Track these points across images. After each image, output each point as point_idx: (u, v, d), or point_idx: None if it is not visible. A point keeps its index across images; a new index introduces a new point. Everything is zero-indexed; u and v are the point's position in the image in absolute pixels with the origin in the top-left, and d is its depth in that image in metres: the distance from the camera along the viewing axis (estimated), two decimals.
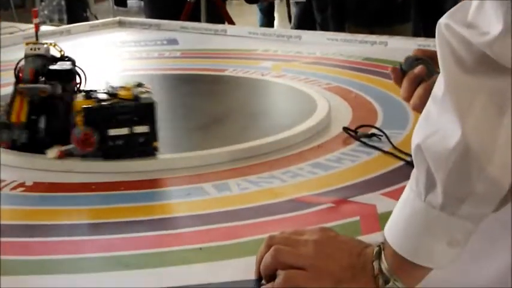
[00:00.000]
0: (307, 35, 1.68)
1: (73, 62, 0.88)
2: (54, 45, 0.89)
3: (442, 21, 0.46)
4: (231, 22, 2.74)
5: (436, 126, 0.46)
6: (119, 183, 0.75)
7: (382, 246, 0.50)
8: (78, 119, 0.78)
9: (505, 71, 0.42)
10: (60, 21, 4.11)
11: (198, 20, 2.83)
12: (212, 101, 1.12)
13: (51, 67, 0.85)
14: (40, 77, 0.84)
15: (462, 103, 0.44)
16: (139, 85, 0.83)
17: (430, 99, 0.47)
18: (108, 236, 0.62)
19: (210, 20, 2.73)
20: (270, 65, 1.37)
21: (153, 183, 0.76)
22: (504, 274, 0.52)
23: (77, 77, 0.86)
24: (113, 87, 0.83)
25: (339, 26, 2.62)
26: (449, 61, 0.44)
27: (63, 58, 0.88)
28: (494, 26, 0.42)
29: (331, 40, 1.60)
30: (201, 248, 0.59)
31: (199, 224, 0.65)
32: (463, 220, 0.46)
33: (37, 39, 0.92)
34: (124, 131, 0.78)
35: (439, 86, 0.46)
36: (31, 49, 0.86)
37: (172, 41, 1.68)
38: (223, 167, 0.81)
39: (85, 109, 0.78)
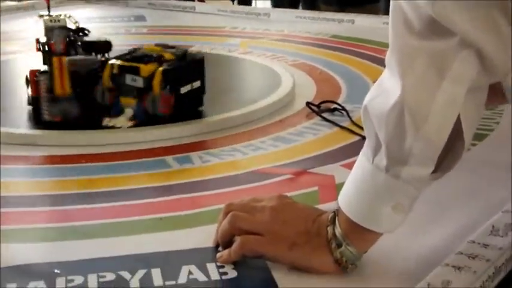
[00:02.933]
0: (275, 12, 1.68)
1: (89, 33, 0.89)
2: (69, 17, 0.89)
3: None
4: (201, 0, 2.72)
5: (382, 87, 0.47)
6: (80, 156, 0.75)
7: (337, 212, 0.51)
8: (155, 82, 0.80)
9: (450, 34, 0.43)
10: None
11: None
12: None
13: (87, 39, 0.87)
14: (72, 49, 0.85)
15: (404, 63, 0.45)
16: (166, 46, 0.87)
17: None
18: (67, 206, 0.63)
19: None
20: (237, 41, 1.38)
21: (115, 156, 0.76)
22: (450, 240, 0.54)
23: None
24: (138, 49, 0.86)
25: (310, 6, 2.62)
26: (399, 23, 0.45)
27: (80, 29, 0.89)
28: None
29: (299, 18, 1.61)
30: (161, 218, 0.60)
31: (161, 195, 0.65)
32: (407, 185, 0.47)
33: (49, 11, 0.92)
34: (189, 87, 0.84)
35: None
36: (51, 21, 0.86)
37: (140, 18, 1.67)
38: (186, 141, 0.81)
39: (165, 71, 0.80)
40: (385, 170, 0.47)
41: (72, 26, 0.89)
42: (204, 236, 0.56)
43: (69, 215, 0.61)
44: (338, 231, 0.50)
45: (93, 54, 0.86)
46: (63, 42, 0.84)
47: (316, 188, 0.67)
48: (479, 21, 0.42)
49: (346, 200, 0.50)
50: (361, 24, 1.50)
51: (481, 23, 0.42)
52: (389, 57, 0.47)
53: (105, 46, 0.87)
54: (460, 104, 0.44)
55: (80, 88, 0.83)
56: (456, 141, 0.46)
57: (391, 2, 0.46)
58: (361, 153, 0.50)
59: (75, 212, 0.62)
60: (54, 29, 0.85)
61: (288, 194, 0.64)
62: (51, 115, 0.82)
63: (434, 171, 0.47)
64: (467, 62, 0.43)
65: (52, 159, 0.75)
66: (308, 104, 0.93)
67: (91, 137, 0.80)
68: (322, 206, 0.59)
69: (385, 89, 0.46)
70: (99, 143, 0.79)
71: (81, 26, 0.90)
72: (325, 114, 0.90)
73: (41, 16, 0.88)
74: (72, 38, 0.86)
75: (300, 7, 2.71)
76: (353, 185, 0.50)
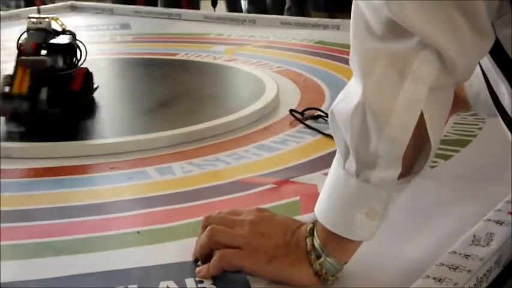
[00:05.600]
0: (261, 19, 1.68)
1: (74, 36, 0.91)
2: (56, 19, 0.90)
3: None
4: (188, 7, 2.71)
5: (348, 91, 0.47)
6: (59, 169, 0.74)
7: (315, 222, 0.50)
8: None
9: (409, 35, 0.43)
10: (18, 8, 4.01)
11: (156, 5, 2.79)
12: (161, 85, 1.11)
13: (52, 41, 0.87)
14: (42, 50, 0.87)
15: (365, 65, 0.45)
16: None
17: None
18: (43, 221, 0.61)
19: (168, 5, 2.70)
20: (222, 49, 1.37)
21: (95, 168, 0.75)
22: (431, 250, 0.53)
23: (78, 51, 0.90)
24: None
25: (300, 12, 2.63)
26: (359, 26, 0.45)
27: (64, 32, 0.91)
28: None
29: (285, 24, 1.60)
30: (139, 232, 0.59)
31: (140, 208, 0.64)
32: (378, 189, 0.46)
33: (39, 13, 0.93)
34: None
35: None
36: (33, 23, 0.88)
37: (125, 26, 1.66)
38: (168, 151, 0.80)
39: None
40: (355, 175, 0.46)
41: (58, 29, 0.90)
42: (183, 250, 0.55)
43: (43, 230, 0.60)
44: (317, 242, 0.49)
45: (60, 56, 0.87)
46: (33, 44, 0.86)
47: (297, 198, 0.66)
48: (436, 21, 0.42)
49: (321, 209, 0.49)
50: (346, 29, 1.50)
51: (438, 23, 0.42)
52: (351, 60, 0.46)
53: (66, 48, 0.88)
54: (422, 103, 0.44)
55: (31, 87, 0.84)
56: (425, 143, 0.46)
57: (352, 6, 0.46)
58: (334, 159, 0.49)
59: (50, 227, 0.60)
60: (30, 30, 0.86)
61: (270, 205, 0.64)
62: (1, 111, 0.84)
63: (405, 175, 0.47)
64: (428, 62, 0.43)
65: (27, 173, 0.73)
66: (291, 111, 0.93)
67: (68, 149, 0.79)
68: (303, 217, 0.59)
69: (350, 93, 0.46)
70: (76, 154, 0.78)
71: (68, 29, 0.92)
72: (309, 122, 0.89)
73: (30, 18, 0.90)
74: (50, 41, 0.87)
75: (285, 13, 2.72)
76: (327, 193, 0.49)
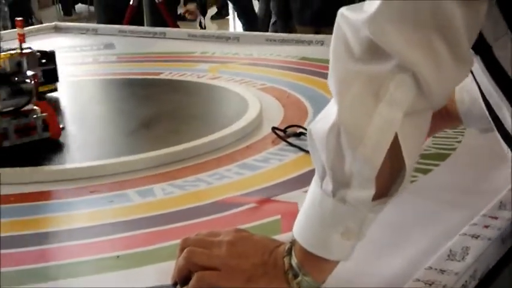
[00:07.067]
0: (245, 36, 1.69)
1: None
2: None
3: (341, 10, 0.47)
4: (175, 26, 2.73)
5: (326, 111, 0.47)
6: (38, 194, 0.73)
7: (293, 241, 0.50)
8: None
9: (387, 58, 0.43)
10: (5, 28, 4.02)
11: (142, 24, 2.81)
12: (144, 105, 1.11)
13: None
14: None
15: (342, 86, 0.45)
16: None
17: None
18: (22, 248, 0.61)
19: (155, 24, 2.72)
20: (207, 67, 1.37)
21: (75, 192, 0.75)
22: (408, 266, 0.54)
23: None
24: None
25: (285, 27, 2.65)
26: (340, 48, 0.45)
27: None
28: (373, 4, 0.43)
29: (269, 41, 1.61)
30: (118, 256, 0.59)
31: (119, 232, 0.64)
32: (353, 209, 0.47)
33: None
34: None
35: None
36: None
37: (109, 46, 1.66)
38: (149, 173, 0.80)
39: None
40: (332, 195, 0.47)
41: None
42: (162, 273, 0.55)
43: (23, 257, 0.59)
44: (294, 261, 0.49)
45: None
46: None
47: (278, 217, 0.66)
48: (417, 45, 0.42)
49: (298, 228, 0.50)
50: (330, 45, 1.51)
51: (418, 48, 0.42)
52: (329, 80, 0.47)
53: None
54: (396, 126, 0.44)
55: None
56: (401, 165, 0.46)
57: (334, 27, 0.47)
58: (312, 179, 0.50)
59: (28, 254, 0.60)
60: None
61: (251, 224, 0.64)
62: None
63: (381, 197, 0.47)
64: (403, 86, 0.43)
65: (5, 199, 0.73)
66: (274, 129, 0.93)
67: (48, 173, 0.78)
68: (284, 236, 0.59)
69: (328, 113, 0.47)
70: (56, 178, 0.77)
71: None
72: (291, 139, 0.89)
73: None
74: None
75: (270, 27, 2.75)
76: (304, 212, 0.50)
